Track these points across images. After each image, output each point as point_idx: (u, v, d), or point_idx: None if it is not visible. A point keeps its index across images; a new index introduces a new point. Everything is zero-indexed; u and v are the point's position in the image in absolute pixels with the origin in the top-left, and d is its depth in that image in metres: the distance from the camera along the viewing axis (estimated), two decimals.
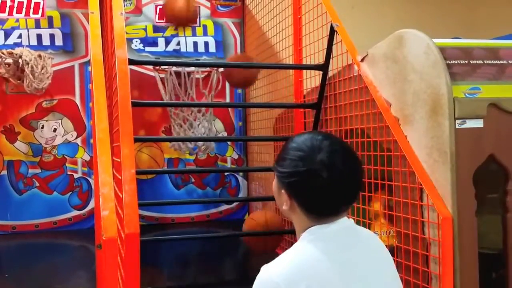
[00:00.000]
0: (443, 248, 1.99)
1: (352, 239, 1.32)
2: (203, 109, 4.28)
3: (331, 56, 2.93)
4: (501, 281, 2.18)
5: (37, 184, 4.24)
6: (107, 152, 1.95)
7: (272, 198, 3.80)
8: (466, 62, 2.13)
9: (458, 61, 2.11)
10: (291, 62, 3.51)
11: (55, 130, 4.30)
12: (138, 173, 2.06)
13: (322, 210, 1.30)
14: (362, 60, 2.63)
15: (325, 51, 2.96)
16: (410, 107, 2.24)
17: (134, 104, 2.33)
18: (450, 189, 2.01)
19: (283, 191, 1.32)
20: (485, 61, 2.16)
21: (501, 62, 2.18)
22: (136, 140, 2.28)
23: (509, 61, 2.19)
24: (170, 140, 4.42)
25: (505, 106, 2.09)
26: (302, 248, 1.28)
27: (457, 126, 2.02)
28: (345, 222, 1.33)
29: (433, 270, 2.07)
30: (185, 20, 4.10)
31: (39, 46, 4.23)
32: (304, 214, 1.31)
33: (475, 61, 2.15)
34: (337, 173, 1.26)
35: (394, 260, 1.41)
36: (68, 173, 4.32)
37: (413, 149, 2.22)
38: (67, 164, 4.32)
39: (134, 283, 1.79)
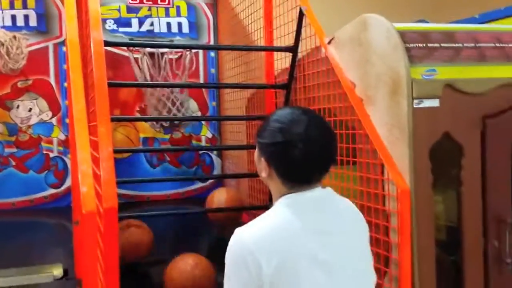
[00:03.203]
0: (401, 219, 2.13)
1: (325, 206, 1.43)
2: (177, 89, 4.37)
3: (300, 39, 3.04)
4: (456, 250, 2.35)
5: (13, 163, 4.29)
6: (85, 131, 2.03)
7: (244, 175, 3.97)
8: (424, 45, 2.26)
9: (417, 44, 2.24)
10: (262, 44, 3.61)
11: (30, 110, 4.34)
12: (115, 151, 2.14)
13: (297, 178, 1.41)
14: (329, 42, 2.75)
15: (294, 33, 3.07)
16: (373, 88, 2.37)
17: (110, 85, 2.41)
18: (408, 164, 2.16)
19: (262, 159, 1.44)
20: (442, 44, 2.29)
21: (456, 45, 2.32)
22: (113, 120, 2.37)
23: (464, 44, 2.33)
24: (146, 120, 4.50)
25: (460, 86, 2.23)
26: (276, 211, 1.39)
27: (414, 106, 2.16)
28: (320, 190, 1.44)
29: (393, 239, 2.22)
30: None
31: (13, 27, 4.25)
32: (280, 181, 1.42)
33: (432, 44, 2.28)
34: (312, 145, 1.37)
35: None
36: (44, 152, 4.38)
37: (375, 127, 2.36)
38: (42, 144, 4.38)
39: (113, 256, 1.87)
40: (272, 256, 1.28)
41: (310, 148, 1.37)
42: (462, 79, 2.25)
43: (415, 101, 2.15)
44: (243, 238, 1.33)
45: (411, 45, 2.22)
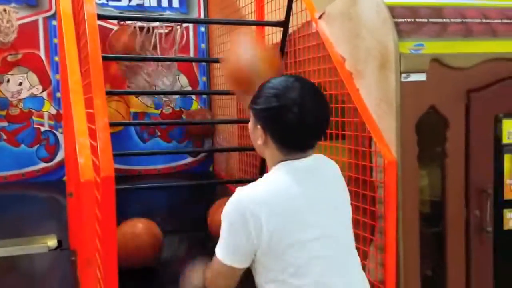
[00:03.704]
0: (387, 189, 2.21)
1: (319, 173, 1.51)
2: (168, 63, 4.39)
3: (291, 13, 3.07)
4: (439, 222, 2.44)
5: (5, 137, 4.31)
6: (81, 102, 2.07)
7: (234, 149, 4.03)
8: (413, 20, 2.31)
9: (405, 19, 2.29)
10: (253, 19, 3.63)
11: (20, 84, 4.34)
12: (110, 124, 2.18)
13: (292, 143, 1.47)
14: (320, 17, 2.79)
15: (285, 8, 3.10)
16: (362, 62, 2.43)
17: (104, 58, 2.44)
18: (395, 136, 2.23)
19: (258, 126, 1.49)
20: (430, 20, 2.34)
21: (444, 20, 2.37)
22: (106, 93, 2.40)
23: (451, 20, 2.38)
24: (139, 93, 4.52)
25: (446, 61, 2.29)
26: (273, 175, 1.46)
27: (402, 80, 2.21)
28: (314, 157, 1.51)
29: (379, 209, 2.30)
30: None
31: (3, 0, 4.22)
32: (276, 147, 1.48)
33: (420, 19, 2.33)
34: (307, 110, 1.43)
35: None
36: (35, 126, 4.40)
37: (364, 101, 2.42)
38: (33, 118, 4.39)
39: (110, 224, 1.92)
40: (272, 217, 1.36)
41: (304, 112, 1.42)
42: (449, 53, 2.31)
43: (403, 75, 2.21)
44: (244, 198, 1.39)
45: (400, 19, 2.27)
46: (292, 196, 1.41)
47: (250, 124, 1.56)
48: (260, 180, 1.46)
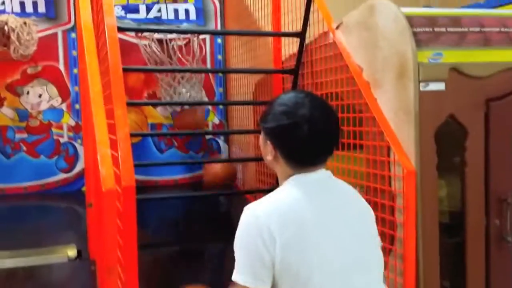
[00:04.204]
0: (407, 199, 2.20)
1: (330, 186, 1.49)
2: (187, 75, 4.42)
3: (308, 24, 3.09)
4: (459, 232, 2.43)
5: (25, 149, 4.36)
6: (102, 113, 2.11)
7: (250, 159, 4.04)
8: (431, 29, 2.32)
9: (423, 28, 2.30)
10: (270, 30, 3.65)
11: (40, 96, 4.39)
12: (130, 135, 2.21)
13: (302, 159, 1.46)
14: (337, 27, 2.80)
15: (302, 19, 3.12)
16: (380, 71, 2.43)
17: (125, 70, 2.47)
18: (414, 146, 2.22)
19: (268, 142, 1.49)
20: (448, 29, 2.35)
21: (462, 29, 2.37)
22: (127, 104, 2.43)
23: (469, 29, 2.39)
24: (158, 104, 4.57)
25: (465, 70, 2.29)
26: (284, 190, 1.45)
27: (421, 89, 2.22)
28: (324, 172, 1.49)
29: (399, 219, 2.29)
30: None
31: (23, 13, 4.29)
32: (286, 163, 1.47)
33: (438, 28, 2.33)
34: (317, 127, 1.42)
35: None
36: (54, 137, 4.44)
37: (382, 110, 2.42)
38: (53, 129, 4.43)
39: (131, 234, 1.93)
40: (285, 229, 1.34)
41: (315, 129, 1.42)
42: (467, 63, 2.31)
43: (422, 84, 2.22)
44: (257, 212, 1.37)
45: (418, 29, 2.28)
46: (303, 210, 1.39)
47: (260, 140, 1.56)
48: (269, 195, 1.45)
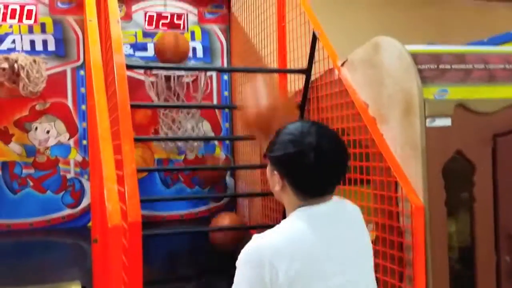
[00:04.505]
0: (415, 235, 2.18)
1: (337, 220, 1.46)
2: (192, 110, 4.47)
3: (314, 61, 3.13)
4: (469, 267, 2.39)
5: (31, 184, 4.37)
6: (110, 149, 2.12)
7: (257, 194, 4.03)
8: (436, 66, 2.34)
9: (428, 66, 2.33)
10: (276, 67, 3.70)
11: (48, 132, 4.43)
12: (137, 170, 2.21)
13: (310, 188, 1.44)
14: (342, 65, 2.84)
15: (308, 56, 3.16)
16: (386, 108, 2.45)
17: (132, 106, 2.50)
18: (422, 181, 2.22)
19: (275, 172, 1.47)
20: (453, 66, 2.37)
21: (466, 66, 2.40)
22: (134, 140, 2.45)
23: (474, 66, 2.41)
24: (165, 140, 4.60)
25: (471, 106, 2.31)
26: (290, 223, 1.42)
27: (427, 125, 2.23)
28: (333, 203, 1.46)
29: (408, 255, 2.27)
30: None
31: (32, 51, 4.37)
32: (294, 193, 1.45)
33: (443, 65, 2.36)
34: (323, 154, 1.41)
35: (373, 248, 1.55)
36: (61, 173, 4.45)
37: (388, 146, 2.43)
38: (60, 165, 4.45)
39: (137, 269, 1.91)
40: (289, 265, 1.31)
41: (321, 157, 1.41)
42: (473, 99, 2.32)
43: (428, 120, 2.23)
44: (262, 245, 1.35)
45: (423, 66, 2.31)
46: (310, 244, 1.37)
47: (268, 171, 1.54)
48: (277, 227, 1.42)
